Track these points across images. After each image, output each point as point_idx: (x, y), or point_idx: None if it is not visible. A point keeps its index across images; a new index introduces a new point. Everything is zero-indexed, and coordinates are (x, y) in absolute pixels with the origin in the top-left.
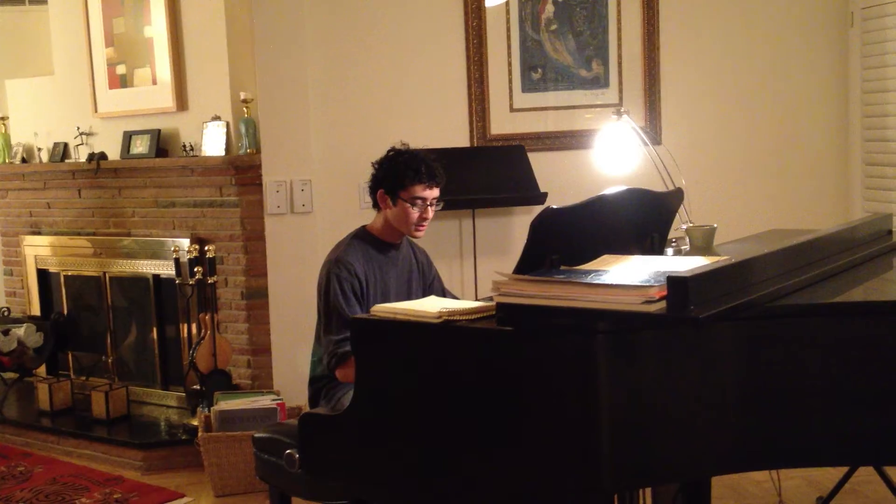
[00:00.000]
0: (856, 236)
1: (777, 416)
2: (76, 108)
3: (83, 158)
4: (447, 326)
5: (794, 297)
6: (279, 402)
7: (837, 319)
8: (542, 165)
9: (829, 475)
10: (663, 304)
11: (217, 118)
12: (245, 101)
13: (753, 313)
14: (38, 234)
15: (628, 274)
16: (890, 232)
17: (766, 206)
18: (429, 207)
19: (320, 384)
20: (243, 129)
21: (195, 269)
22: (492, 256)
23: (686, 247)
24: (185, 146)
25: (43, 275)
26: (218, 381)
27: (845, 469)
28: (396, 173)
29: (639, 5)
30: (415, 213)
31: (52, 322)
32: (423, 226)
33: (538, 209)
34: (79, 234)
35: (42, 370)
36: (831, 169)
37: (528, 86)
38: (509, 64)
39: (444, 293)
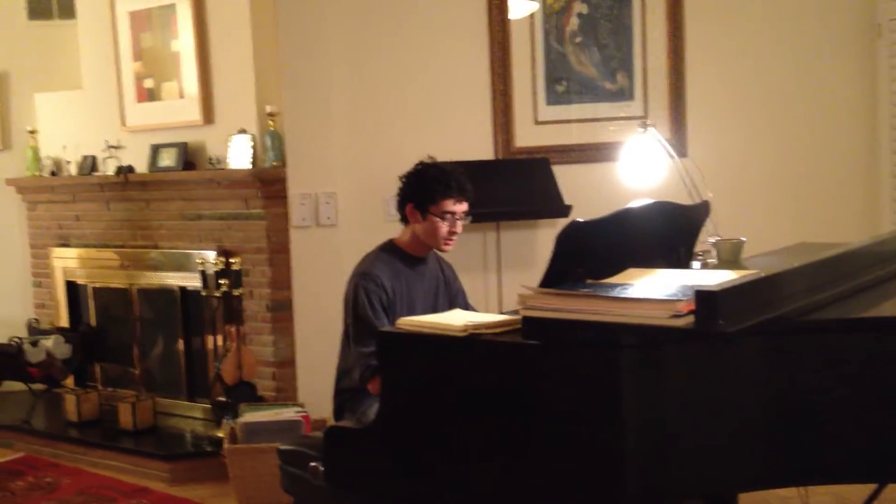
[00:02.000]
0: (885, 250)
1: (806, 432)
2: (104, 121)
3: (111, 171)
4: (472, 340)
5: (824, 312)
6: (304, 414)
7: (867, 335)
8: (567, 178)
9: (857, 491)
10: (691, 318)
11: (243, 131)
12: (271, 114)
13: (782, 328)
14: (67, 246)
15: (655, 288)
16: None
17: (794, 220)
18: (458, 222)
19: (345, 396)
20: (269, 143)
21: (221, 282)
22: (516, 270)
23: (713, 260)
24: (211, 159)
25: (71, 286)
26: (243, 393)
27: (874, 485)
28: (426, 188)
29: (664, 18)
30: (444, 227)
31: (80, 333)
32: (451, 240)
33: (563, 222)
34: (107, 246)
35: (70, 381)
36: (859, 182)
37: (553, 98)
38: (533, 76)
39: (466, 308)
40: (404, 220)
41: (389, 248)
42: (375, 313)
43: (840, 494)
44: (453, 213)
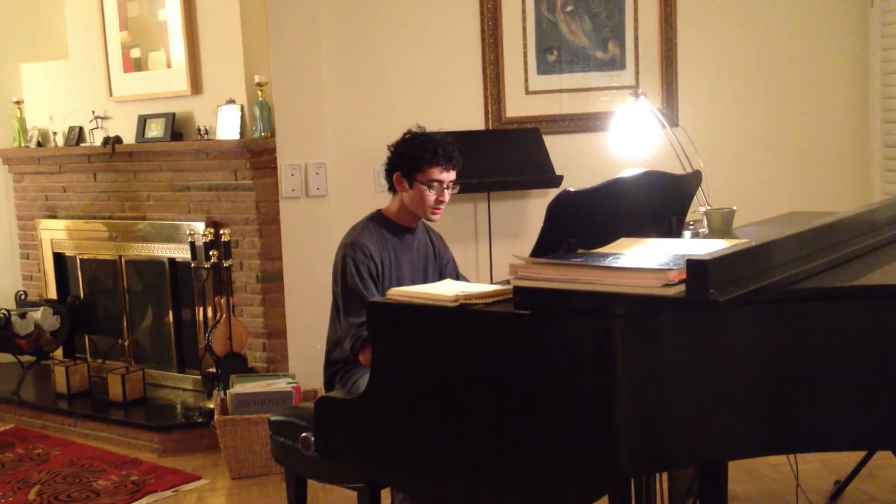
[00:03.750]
0: (876, 219)
1: (796, 400)
2: (91, 91)
3: (98, 142)
4: (463, 310)
5: (814, 281)
6: (295, 385)
7: (857, 303)
8: (558, 148)
9: (846, 459)
10: (682, 287)
11: (231, 101)
12: (259, 84)
13: (773, 297)
14: (54, 217)
15: (646, 257)
16: None
17: (785, 189)
18: (445, 190)
19: (336, 368)
20: (258, 113)
21: (210, 253)
22: (507, 240)
23: (704, 230)
24: (199, 130)
25: (59, 258)
26: (234, 365)
27: (863, 453)
28: (413, 156)
29: None
30: (431, 195)
31: (69, 305)
32: (439, 209)
33: (554, 192)
34: (94, 217)
35: (59, 353)
36: (851, 151)
37: (544, 68)
38: (524, 46)
39: (458, 277)
40: (392, 189)
41: (377, 219)
42: (364, 283)
43: (827, 461)
44: (440, 182)
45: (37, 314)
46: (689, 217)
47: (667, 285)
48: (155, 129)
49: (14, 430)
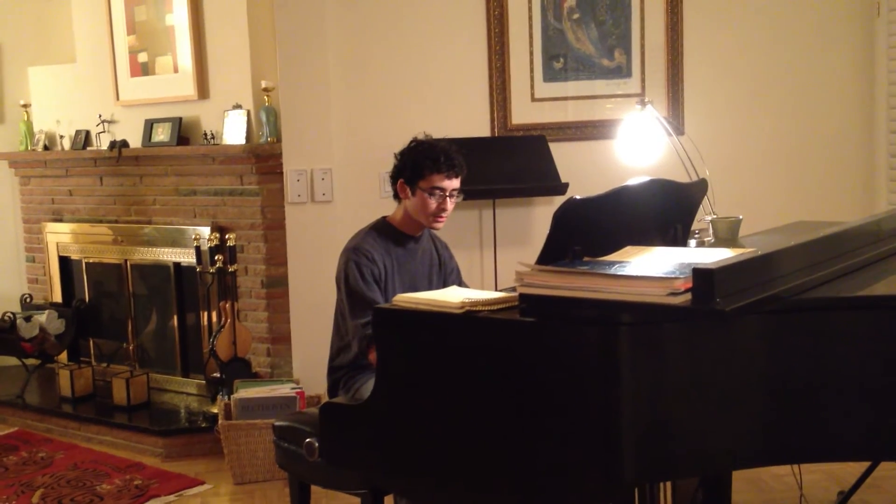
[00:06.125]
0: (882, 229)
1: (801, 410)
2: (98, 95)
3: (105, 146)
4: (469, 317)
5: (820, 291)
6: (299, 390)
7: (862, 313)
8: (564, 156)
9: (849, 469)
10: (688, 296)
11: (238, 106)
12: (266, 89)
13: (779, 306)
14: (60, 221)
15: (652, 265)
16: None
17: (791, 198)
18: (448, 199)
19: (339, 374)
20: (264, 118)
21: (216, 258)
22: (512, 247)
23: (710, 238)
24: (206, 134)
25: (64, 262)
26: (238, 369)
27: (867, 464)
28: (415, 162)
29: None
30: (432, 203)
31: (74, 309)
32: (441, 217)
33: (559, 200)
34: (100, 221)
35: (63, 357)
36: (857, 161)
37: (550, 75)
38: (531, 53)
39: (460, 286)
40: (397, 196)
41: (381, 226)
42: (368, 285)
43: (830, 471)
44: (442, 189)
45: (42, 317)
46: (695, 226)
47: (672, 294)
48: (161, 134)
49: (18, 433)
